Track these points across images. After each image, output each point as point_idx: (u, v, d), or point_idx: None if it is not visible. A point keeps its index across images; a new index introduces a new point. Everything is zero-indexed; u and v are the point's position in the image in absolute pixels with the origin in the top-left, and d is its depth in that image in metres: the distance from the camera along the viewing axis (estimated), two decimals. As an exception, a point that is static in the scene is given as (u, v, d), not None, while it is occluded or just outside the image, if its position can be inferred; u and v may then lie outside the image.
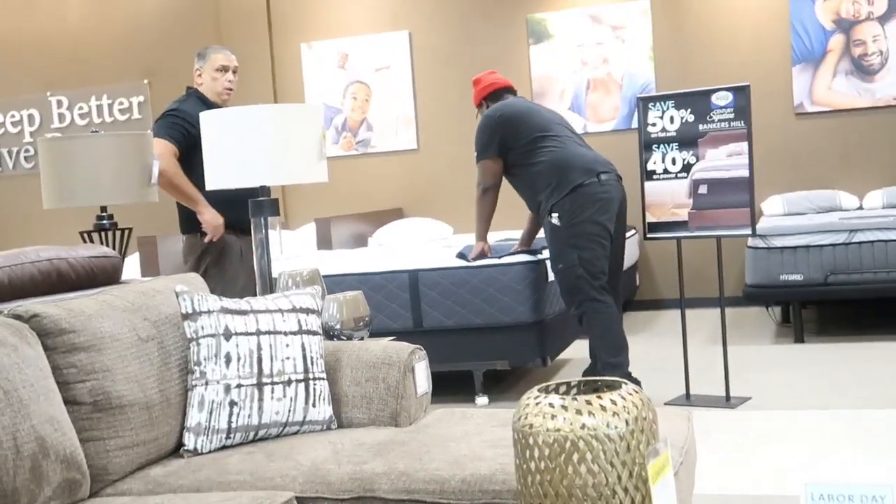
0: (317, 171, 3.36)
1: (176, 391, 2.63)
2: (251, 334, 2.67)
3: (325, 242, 6.81)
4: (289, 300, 2.81)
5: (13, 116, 9.38)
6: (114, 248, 3.86)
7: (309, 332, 2.77)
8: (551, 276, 4.94)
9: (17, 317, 2.43)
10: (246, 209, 3.96)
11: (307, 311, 2.81)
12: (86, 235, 3.92)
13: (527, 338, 4.97)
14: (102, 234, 3.88)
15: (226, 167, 3.33)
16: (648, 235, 4.90)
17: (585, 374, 4.82)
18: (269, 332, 2.70)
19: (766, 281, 6.07)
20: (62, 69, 9.27)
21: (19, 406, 2.18)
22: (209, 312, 2.66)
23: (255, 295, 4.00)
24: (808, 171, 7.50)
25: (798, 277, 6.02)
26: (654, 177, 4.84)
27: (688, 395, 4.86)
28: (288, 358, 2.69)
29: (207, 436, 2.59)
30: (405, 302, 5.03)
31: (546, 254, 4.90)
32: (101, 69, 9.18)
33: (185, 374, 2.67)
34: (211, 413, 2.60)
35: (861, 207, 7.05)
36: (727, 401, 4.73)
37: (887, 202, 6.91)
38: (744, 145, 4.63)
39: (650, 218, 4.87)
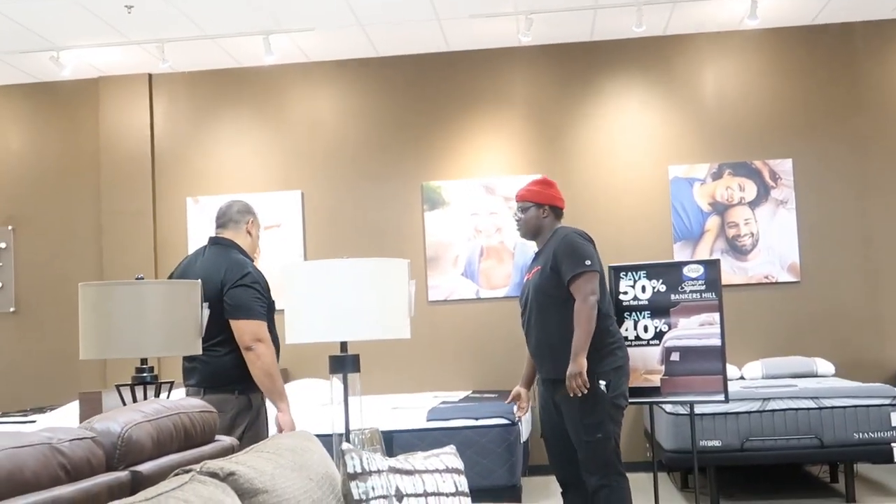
0: (402, 327, 3.30)
1: (346, 557, 2.46)
2: (420, 496, 2.56)
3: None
4: (440, 460, 2.71)
5: None
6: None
7: (463, 494, 2.68)
8: (524, 437, 4.95)
9: (213, 475, 2.23)
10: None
11: (458, 471, 2.72)
12: (122, 389, 3.61)
13: (503, 502, 4.92)
14: (140, 388, 3.58)
15: (309, 322, 3.21)
16: (623, 400, 5.03)
17: None
18: (434, 494, 2.59)
19: (686, 446, 6.30)
20: (-89, 210, 8.62)
21: (264, 575, 1.98)
22: (379, 472, 2.53)
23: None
24: (691, 342, 7.94)
25: (716, 443, 6.29)
26: (627, 343, 5.01)
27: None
28: (452, 520, 2.59)
29: None
30: (381, 465, 4.88)
31: (526, 415, 4.90)
32: (-43, 212, 8.59)
33: (348, 539, 2.50)
34: (388, 581, 2.44)
35: (742, 377, 7.51)
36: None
37: (766, 373, 7.41)
38: (715, 315, 4.91)
39: (622, 383, 5.01)
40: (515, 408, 4.86)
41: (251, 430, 3.92)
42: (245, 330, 3.87)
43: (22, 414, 7.37)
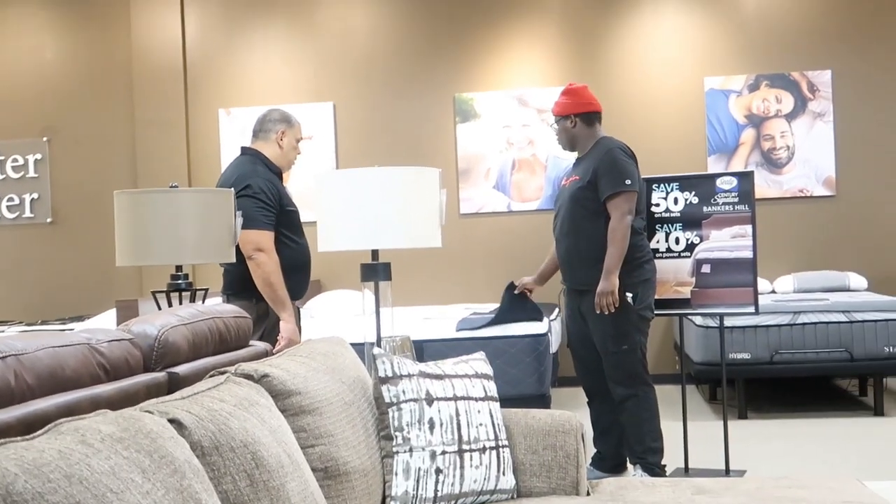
0: (433, 235, 3.31)
1: (377, 458, 2.52)
2: (449, 399, 2.60)
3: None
4: (469, 365, 2.75)
5: None
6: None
7: (492, 399, 2.72)
8: (553, 348, 4.99)
9: (248, 376, 2.28)
10: (298, 276, 3.92)
11: (487, 377, 2.76)
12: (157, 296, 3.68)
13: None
14: (175, 295, 3.64)
15: (341, 230, 3.24)
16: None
17: (600, 465, 4.86)
18: (464, 398, 2.63)
19: (715, 359, 6.33)
20: (-53, 121, 8.69)
21: (298, 473, 2.04)
22: (409, 376, 2.57)
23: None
24: (723, 256, 7.92)
25: (746, 356, 6.33)
26: (658, 255, 5.00)
27: (686, 468, 5.00)
28: (481, 424, 2.64)
29: (416, 505, 2.49)
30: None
31: (549, 325, 4.93)
32: (-7, 123, 8.66)
33: (379, 440, 2.56)
34: (418, 481, 2.50)
35: (774, 291, 7.50)
36: (727, 473, 4.89)
37: (798, 287, 7.40)
38: (748, 228, 4.88)
39: (653, 295, 5.02)
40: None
41: (268, 337, 3.98)
42: (245, 240, 3.89)
43: (60, 322, 7.53)
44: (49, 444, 1.45)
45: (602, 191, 4.54)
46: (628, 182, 4.52)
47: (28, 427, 1.73)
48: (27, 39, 8.63)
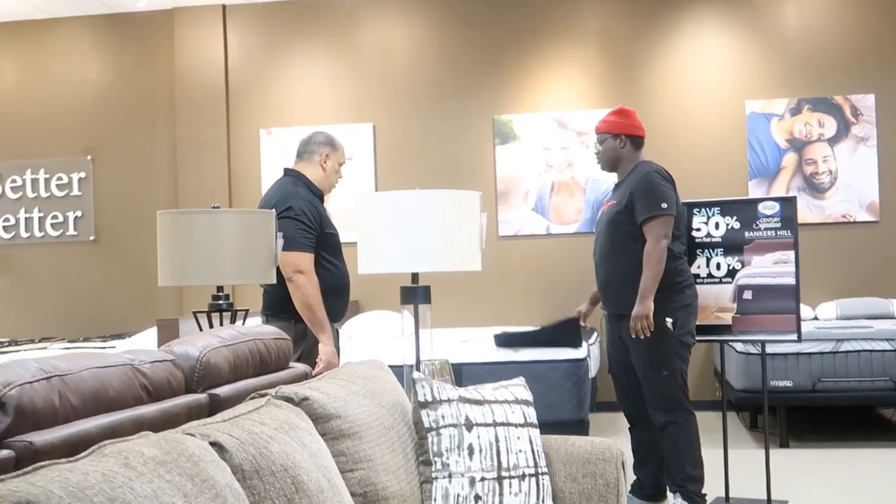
0: (473, 259, 3.31)
1: (416, 483, 2.51)
2: (489, 425, 2.59)
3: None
4: (509, 391, 2.74)
5: (-64, 186, 8.82)
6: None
7: (532, 426, 2.71)
8: (592, 373, 4.95)
9: (288, 399, 2.28)
10: (337, 300, 3.93)
11: (527, 403, 2.74)
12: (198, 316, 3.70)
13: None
14: (216, 315, 3.67)
15: (381, 252, 3.24)
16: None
17: (639, 493, 4.82)
18: (503, 424, 2.62)
19: (756, 386, 6.26)
20: (-7, 139, 8.83)
21: (337, 497, 2.03)
22: (449, 401, 2.56)
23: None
24: (764, 281, 7.83)
25: (788, 384, 6.24)
26: (698, 280, 4.96)
27: (727, 497, 4.93)
28: (521, 451, 2.62)
29: (454, 531, 2.47)
30: (450, 396, 4.94)
31: (588, 350, 4.89)
32: (38, 142, 8.77)
33: (418, 465, 2.55)
34: (456, 507, 2.48)
35: (816, 318, 7.40)
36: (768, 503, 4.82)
37: (841, 314, 7.29)
38: (790, 253, 4.82)
39: (693, 320, 4.97)
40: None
41: (306, 359, 3.98)
42: (285, 261, 3.91)
43: (101, 339, 7.60)
44: (93, 466, 1.46)
45: (638, 214, 4.52)
46: (664, 206, 4.50)
47: (72, 448, 1.74)
48: (72, 60, 8.76)
